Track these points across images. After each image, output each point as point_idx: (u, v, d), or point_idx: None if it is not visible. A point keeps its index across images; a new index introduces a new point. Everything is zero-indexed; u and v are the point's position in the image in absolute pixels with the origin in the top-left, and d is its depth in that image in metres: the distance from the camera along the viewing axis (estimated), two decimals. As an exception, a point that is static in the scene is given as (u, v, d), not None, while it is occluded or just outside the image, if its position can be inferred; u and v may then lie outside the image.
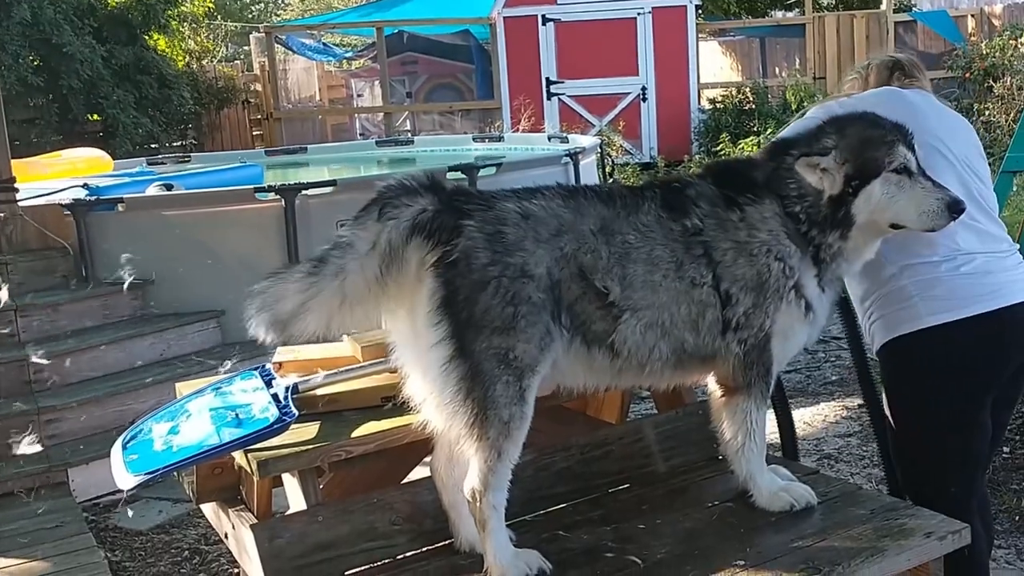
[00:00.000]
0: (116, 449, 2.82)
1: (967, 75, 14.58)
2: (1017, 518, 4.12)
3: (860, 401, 5.65)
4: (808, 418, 5.46)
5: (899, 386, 2.93)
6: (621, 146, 14.55)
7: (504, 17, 15.44)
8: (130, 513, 4.82)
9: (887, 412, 3.00)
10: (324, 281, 2.31)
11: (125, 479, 2.66)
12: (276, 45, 16.56)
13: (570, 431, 3.21)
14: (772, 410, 3.16)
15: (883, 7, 16.12)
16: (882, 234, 2.62)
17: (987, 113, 13.56)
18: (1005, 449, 4.69)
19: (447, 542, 2.63)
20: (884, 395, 3.01)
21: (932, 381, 2.85)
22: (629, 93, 15.51)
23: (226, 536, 3.03)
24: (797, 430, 5.02)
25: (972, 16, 16.41)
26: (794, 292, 2.54)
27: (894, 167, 2.53)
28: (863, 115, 2.69)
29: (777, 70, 17.43)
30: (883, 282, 2.88)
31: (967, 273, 2.81)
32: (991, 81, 14.01)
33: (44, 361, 5.39)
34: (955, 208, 2.53)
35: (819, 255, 2.56)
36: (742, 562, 2.41)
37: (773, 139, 2.90)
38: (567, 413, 3.40)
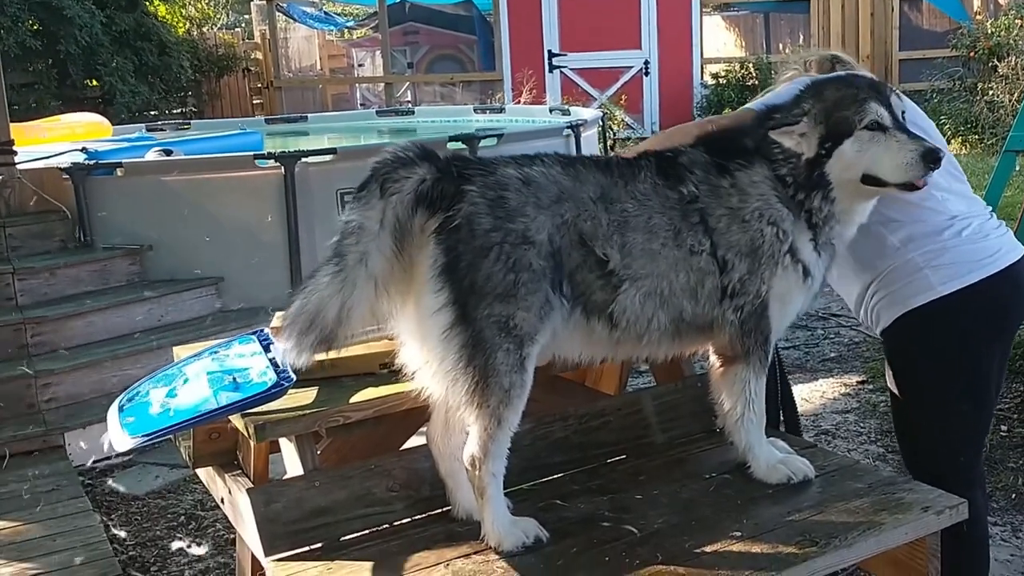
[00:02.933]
0: (112, 411, 2.81)
1: (972, 54, 14.50)
2: (1014, 496, 4.13)
3: (859, 378, 5.66)
4: (806, 394, 5.46)
5: (915, 359, 2.92)
6: (623, 120, 14.49)
7: (507, -12, 15.34)
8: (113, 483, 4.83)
9: (894, 390, 2.99)
10: (353, 272, 2.28)
11: (121, 441, 2.65)
12: (277, 13, 16.46)
13: (568, 402, 3.20)
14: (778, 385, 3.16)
15: (888, -17, 16.03)
16: (865, 194, 2.60)
17: (991, 93, 13.50)
18: (1003, 428, 4.69)
19: (444, 509, 2.63)
20: (891, 373, 2.99)
21: (950, 348, 2.84)
22: (632, 67, 15.44)
23: (222, 501, 3.02)
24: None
25: (977, -6, 16.32)
26: (790, 256, 2.53)
27: (865, 124, 2.51)
28: (839, 77, 2.72)
29: (781, 46, 17.35)
30: (886, 258, 2.87)
31: (968, 238, 2.83)
32: (996, 60, 13.93)
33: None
34: (930, 157, 2.47)
35: (811, 219, 2.55)
36: (739, 533, 2.41)
37: (745, 108, 2.89)
38: (565, 384, 3.40)
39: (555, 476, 2.83)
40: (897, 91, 2.67)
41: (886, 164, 2.50)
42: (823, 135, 2.53)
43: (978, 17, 15.61)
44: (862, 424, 5.01)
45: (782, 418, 3.23)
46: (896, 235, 2.85)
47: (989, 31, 14.42)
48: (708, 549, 2.34)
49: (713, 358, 2.70)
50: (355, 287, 2.29)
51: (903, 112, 2.61)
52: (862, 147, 2.51)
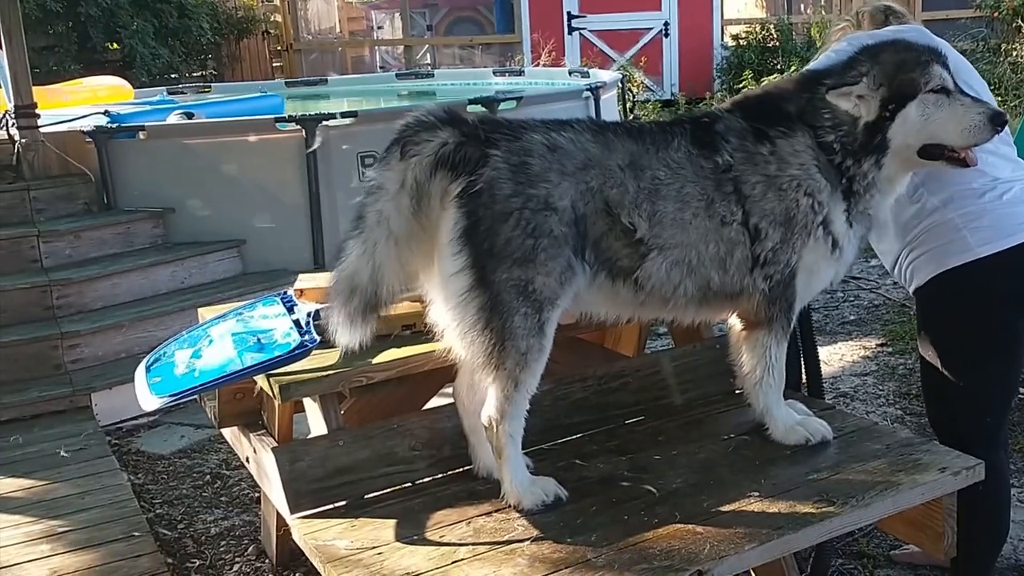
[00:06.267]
0: (140, 372, 2.86)
1: (996, 15, 14.30)
2: (1031, 458, 4.14)
3: (878, 341, 5.66)
4: (825, 357, 5.46)
5: (948, 319, 2.92)
6: (642, 82, 14.39)
7: (526, -51, 15.21)
8: (142, 443, 4.89)
9: (924, 351, 3.00)
10: (372, 232, 2.34)
11: (148, 401, 2.71)
12: (296, -25, 16.39)
13: (587, 362, 3.23)
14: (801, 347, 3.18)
15: (913, -57, 15.81)
16: (915, 164, 2.60)
17: (1015, 54, 13.34)
18: (1022, 390, 4.69)
19: (465, 468, 2.68)
20: (923, 332, 3.01)
21: (983, 310, 2.85)
22: (651, 28, 15.30)
23: (247, 460, 3.08)
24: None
25: (1003, -46, 16.07)
26: (822, 228, 2.54)
27: (931, 87, 2.51)
28: (895, 41, 2.68)
29: (802, 7, 17.14)
30: (925, 218, 2.88)
31: (1010, 201, 2.83)
32: (1020, 21, 13.74)
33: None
34: (998, 120, 2.51)
35: (852, 187, 2.55)
36: (757, 493, 2.44)
37: (804, 71, 2.88)
38: (584, 345, 3.43)
39: (574, 436, 2.87)
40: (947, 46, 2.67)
41: (951, 128, 2.51)
42: (886, 97, 2.52)
43: (1003, -23, 15.39)
44: (881, 387, 5.02)
45: (804, 380, 3.24)
46: (937, 196, 2.85)
47: (1014, -9, 14.22)
48: (726, 509, 2.38)
49: (735, 321, 2.71)
50: (376, 244, 2.34)
51: None
52: (926, 110, 2.51)
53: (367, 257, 2.34)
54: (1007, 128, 2.93)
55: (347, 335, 2.40)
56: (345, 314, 2.37)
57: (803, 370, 3.23)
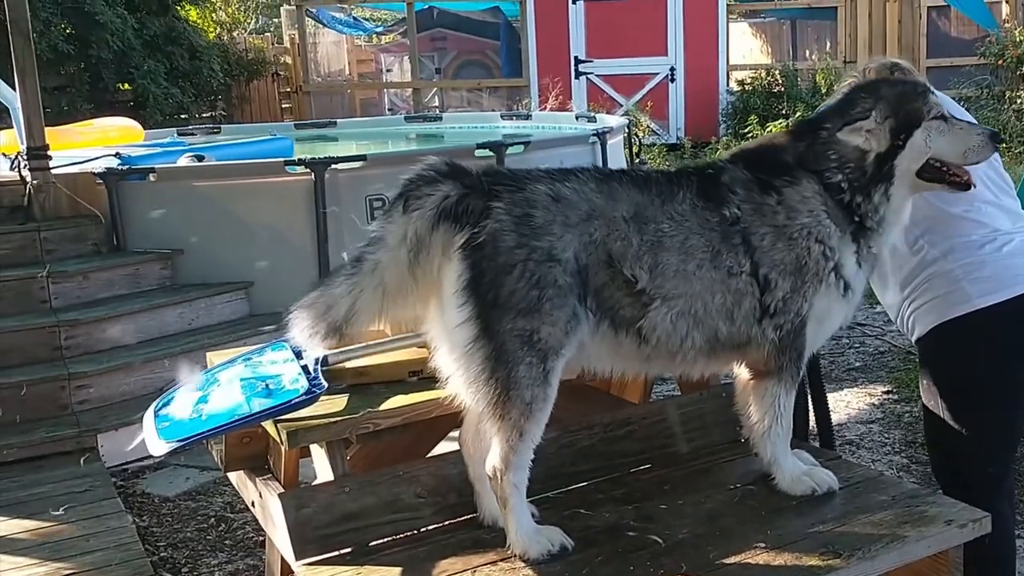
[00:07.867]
0: (148, 416, 2.87)
1: (1000, 62, 14.42)
2: (1038, 509, 4.12)
3: (883, 388, 5.66)
4: (831, 404, 5.37)
5: (949, 369, 2.94)
6: (648, 126, 14.50)
7: (534, -5, 15.38)
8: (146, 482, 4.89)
9: (926, 400, 3.01)
10: (364, 279, 2.37)
11: (157, 446, 2.71)
12: (307, 18, 16.56)
13: (593, 409, 3.23)
14: (810, 397, 3.19)
15: (917, -9, 15.95)
16: (918, 187, 2.64)
17: (1019, 101, 13.43)
18: (1027, 440, 4.68)
19: (471, 516, 2.67)
20: (925, 382, 3.02)
21: (984, 360, 2.87)
22: (658, 73, 15.45)
23: (252, 504, 3.07)
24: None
25: (1007, 2, 16.18)
26: (834, 274, 2.55)
27: (933, 115, 2.58)
28: (887, 78, 2.78)
29: (807, 53, 17.29)
30: (925, 268, 2.90)
31: (1009, 253, 2.86)
32: (1024, 69, 13.88)
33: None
34: (997, 139, 2.63)
35: (864, 224, 2.57)
36: (763, 544, 2.43)
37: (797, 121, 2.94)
38: (590, 392, 3.43)
39: (580, 484, 2.86)
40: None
41: (955, 150, 2.59)
42: (895, 127, 2.57)
43: (1006, 25, 15.49)
44: (887, 435, 5.01)
45: (816, 432, 3.24)
46: (937, 247, 2.88)
47: (1017, 39, 14.33)
48: (732, 560, 2.37)
49: (742, 371, 2.71)
50: (363, 292, 2.37)
51: None
52: (929, 136, 2.57)
53: (349, 299, 2.38)
54: (1008, 179, 2.98)
55: (304, 339, 2.46)
56: (311, 323, 2.43)
57: (810, 419, 3.24)
